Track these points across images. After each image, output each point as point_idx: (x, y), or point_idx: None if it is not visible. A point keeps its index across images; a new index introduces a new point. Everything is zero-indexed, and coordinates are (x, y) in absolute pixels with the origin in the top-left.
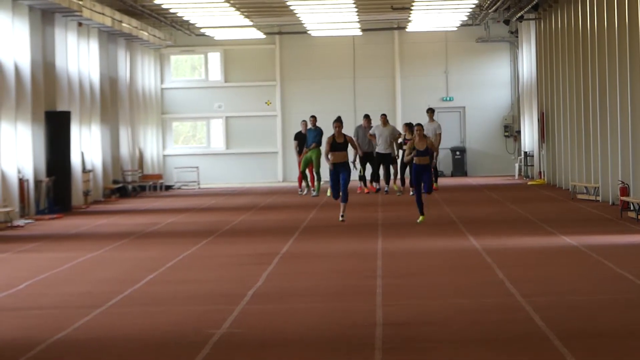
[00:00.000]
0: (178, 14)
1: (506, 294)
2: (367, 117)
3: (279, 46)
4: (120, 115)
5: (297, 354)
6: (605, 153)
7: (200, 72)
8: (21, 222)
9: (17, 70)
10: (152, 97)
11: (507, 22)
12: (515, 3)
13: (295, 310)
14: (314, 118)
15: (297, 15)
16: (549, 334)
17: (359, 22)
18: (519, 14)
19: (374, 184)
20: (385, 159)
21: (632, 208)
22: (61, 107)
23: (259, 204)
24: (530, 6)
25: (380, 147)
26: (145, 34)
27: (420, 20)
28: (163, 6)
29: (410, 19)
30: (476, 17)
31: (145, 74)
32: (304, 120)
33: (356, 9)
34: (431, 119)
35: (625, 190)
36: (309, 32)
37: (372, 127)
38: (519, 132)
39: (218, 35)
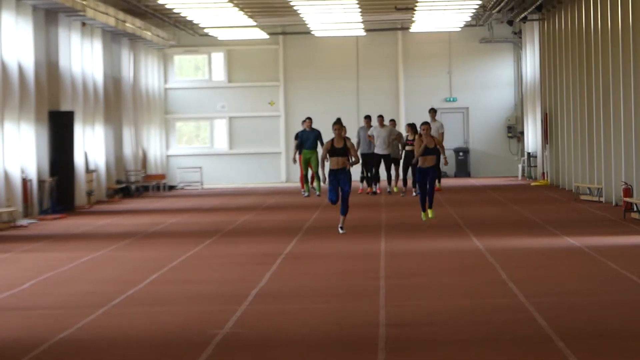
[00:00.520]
0: (182, 14)
1: (509, 295)
2: (367, 117)
3: (283, 46)
4: (123, 115)
5: (300, 355)
6: (609, 154)
7: (203, 72)
8: (24, 222)
9: (20, 70)
10: (155, 97)
11: (510, 22)
12: (519, 4)
13: (298, 311)
14: (309, 120)
15: (301, 15)
16: (552, 335)
17: (362, 22)
18: (523, 15)
19: (374, 186)
20: (384, 159)
21: (635, 209)
22: (65, 107)
23: (262, 205)
24: (533, 7)
25: (378, 148)
26: (149, 33)
27: (423, 21)
28: (167, 6)
29: (413, 19)
30: (480, 17)
31: (148, 74)
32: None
33: (360, 10)
34: (433, 118)
35: (628, 192)
36: (312, 32)
37: (385, 126)
38: (522, 133)
39: (222, 35)
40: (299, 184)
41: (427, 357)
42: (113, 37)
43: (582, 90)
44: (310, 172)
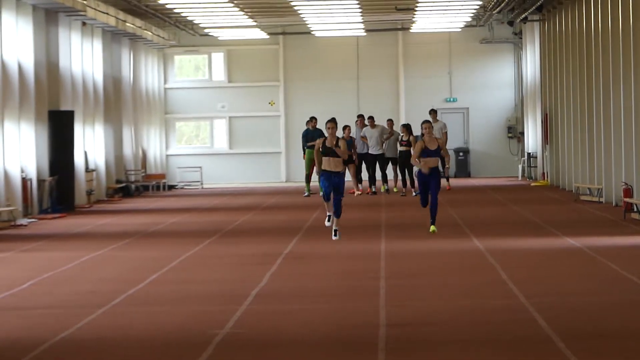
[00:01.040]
0: (182, 14)
1: (509, 295)
2: (360, 116)
3: (283, 46)
4: (123, 115)
5: (300, 355)
6: (609, 154)
7: (203, 72)
8: (24, 221)
9: (20, 70)
10: (155, 97)
11: (511, 23)
12: (519, 4)
13: (298, 311)
14: (314, 120)
15: (301, 15)
16: (553, 335)
17: (362, 22)
18: (523, 15)
19: (373, 187)
20: (378, 159)
21: (635, 209)
22: (65, 106)
23: (262, 204)
24: (534, 7)
25: (372, 148)
26: (149, 33)
27: (424, 21)
28: (167, 6)
29: (414, 19)
30: (480, 18)
31: (148, 73)
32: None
33: (360, 10)
34: (435, 119)
35: (628, 192)
36: (312, 32)
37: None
38: (522, 133)
39: (222, 35)
40: (298, 184)
41: (427, 357)
42: (113, 36)
43: (582, 90)
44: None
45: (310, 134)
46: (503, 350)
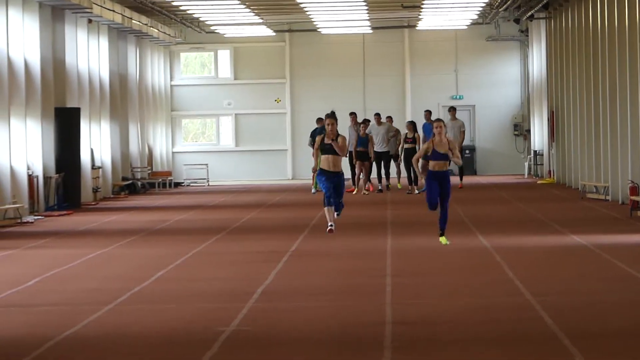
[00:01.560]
0: (188, 11)
1: (515, 293)
2: (353, 114)
3: (289, 44)
4: (129, 112)
5: (305, 353)
6: (615, 152)
7: (209, 70)
8: (30, 218)
9: (27, 67)
10: (161, 94)
11: (517, 20)
12: (526, 2)
13: (304, 309)
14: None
15: (308, 12)
16: (558, 333)
17: (369, 20)
18: (529, 13)
19: (379, 184)
20: (383, 156)
21: None
22: (71, 103)
23: (268, 202)
24: (540, 5)
25: (377, 146)
26: (155, 31)
27: (430, 19)
28: (173, 3)
29: (420, 17)
30: (486, 15)
31: (154, 71)
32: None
33: (366, 7)
34: (454, 117)
35: (635, 190)
36: (319, 29)
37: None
38: (528, 130)
39: (228, 32)
40: (304, 182)
41: (433, 355)
42: (119, 34)
43: (588, 88)
44: None
45: (319, 133)
46: (509, 349)
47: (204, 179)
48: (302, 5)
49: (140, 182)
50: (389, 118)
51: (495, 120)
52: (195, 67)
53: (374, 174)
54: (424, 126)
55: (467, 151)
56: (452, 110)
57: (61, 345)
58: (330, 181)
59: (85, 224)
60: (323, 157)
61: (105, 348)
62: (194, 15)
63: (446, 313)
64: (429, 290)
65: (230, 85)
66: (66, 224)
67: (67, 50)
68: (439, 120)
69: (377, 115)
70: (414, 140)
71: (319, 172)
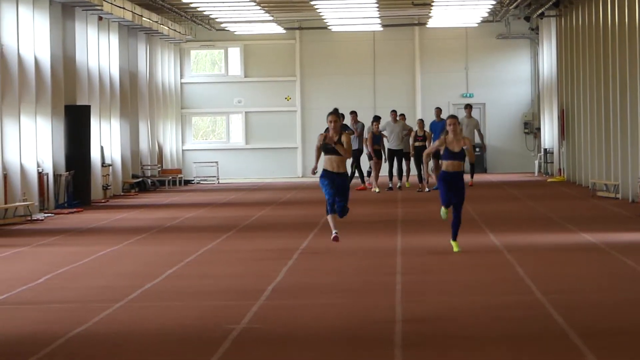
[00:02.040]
0: (198, 9)
1: (526, 292)
2: (353, 113)
3: (299, 41)
4: (139, 110)
5: (316, 350)
6: (625, 150)
7: (220, 67)
8: (40, 215)
9: (37, 64)
10: (171, 92)
11: (527, 18)
12: (536, 0)
13: (314, 306)
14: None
15: (318, 10)
16: (569, 331)
17: (379, 17)
18: (540, 11)
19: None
20: (396, 154)
21: None
22: (81, 101)
23: (279, 200)
24: (551, 3)
25: (392, 144)
26: (166, 28)
27: (440, 17)
28: (183, 0)
29: (430, 15)
30: (497, 13)
31: (165, 68)
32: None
33: (377, 5)
34: (469, 114)
35: None
36: (329, 27)
37: (359, 122)
38: (538, 129)
39: (238, 30)
40: (314, 180)
41: (444, 353)
42: (130, 31)
43: (599, 86)
44: None
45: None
46: (519, 347)
47: (214, 176)
48: (312, 3)
49: (150, 179)
50: (402, 116)
51: (506, 118)
52: (206, 64)
53: (384, 171)
54: (432, 124)
55: (478, 149)
56: (468, 107)
57: (71, 342)
58: (334, 183)
59: (95, 221)
60: (326, 157)
61: (115, 345)
62: (204, 13)
63: (456, 311)
64: (439, 288)
65: (240, 82)
66: (76, 221)
67: (78, 47)
68: (453, 117)
69: (394, 112)
70: (424, 138)
71: (322, 174)
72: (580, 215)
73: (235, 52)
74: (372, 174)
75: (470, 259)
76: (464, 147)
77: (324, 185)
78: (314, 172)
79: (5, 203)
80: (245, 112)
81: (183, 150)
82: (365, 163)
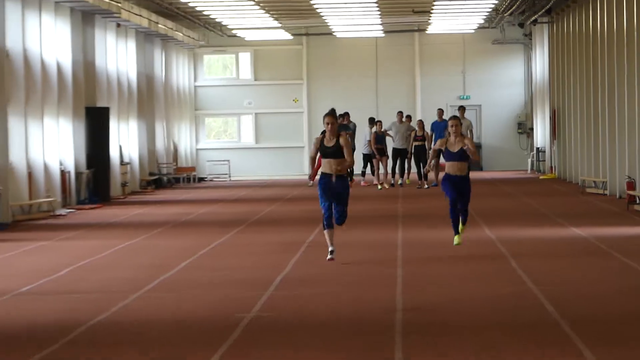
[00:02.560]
0: (211, 16)
1: (519, 282)
2: (346, 114)
3: (306, 47)
4: (156, 111)
5: (321, 337)
6: (613, 149)
7: (231, 71)
8: (63, 211)
9: (59, 68)
10: (186, 94)
11: (521, 25)
12: (530, 7)
13: (320, 296)
14: (345, 117)
15: (323, 17)
16: (560, 320)
17: (381, 24)
18: (533, 18)
19: (392, 178)
20: (401, 153)
21: (638, 202)
22: (101, 103)
23: (286, 196)
24: (543, 10)
25: (397, 143)
26: (180, 34)
27: (439, 23)
28: (197, 8)
29: (430, 21)
30: (492, 20)
31: (179, 72)
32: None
33: (379, 12)
34: (462, 116)
35: (631, 185)
36: (334, 33)
37: (351, 122)
38: (531, 129)
39: (248, 36)
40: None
41: (442, 340)
42: (146, 37)
43: (588, 89)
44: None
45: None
46: (513, 334)
47: (226, 174)
48: (318, 10)
49: (166, 177)
50: (408, 117)
51: (500, 119)
52: (218, 68)
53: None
54: (434, 125)
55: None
56: (462, 109)
57: (92, 330)
58: (331, 191)
59: (114, 216)
60: (324, 160)
61: (133, 333)
62: (217, 20)
63: (454, 300)
64: (438, 279)
65: (250, 85)
66: (96, 216)
67: (97, 52)
68: (455, 117)
69: (400, 113)
70: (423, 138)
71: (321, 177)
72: (570, 210)
73: (245, 57)
74: (376, 172)
75: (467, 252)
76: (464, 147)
77: (321, 196)
78: (312, 178)
79: (30, 199)
80: (255, 113)
81: (197, 149)
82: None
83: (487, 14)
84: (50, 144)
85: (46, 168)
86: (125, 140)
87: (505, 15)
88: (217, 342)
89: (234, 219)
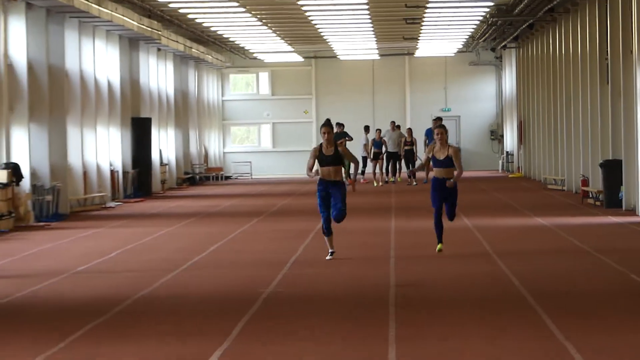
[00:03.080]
0: (236, 42)
1: (492, 263)
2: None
3: (315, 67)
4: (189, 121)
5: (327, 308)
6: (570, 152)
7: (252, 87)
8: (112, 204)
9: (109, 85)
10: (214, 107)
11: (493, 49)
12: (500, 35)
13: (326, 274)
14: (342, 126)
15: (329, 43)
16: (526, 294)
17: (377, 48)
18: (503, 44)
19: (385, 177)
20: (393, 156)
21: (590, 196)
22: (144, 114)
23: (298, 191)
24: (511, 37)
25: (390, 147)
26: (210, 57)
27: (425, 48)
28: (224, 35)
29: (417, 46)
30: (469, 45)
31: (209, 88)
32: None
33: (375, 39)
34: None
35: (585, 182)
36: (338, 56)
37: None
38: (502, 136)
39: (267, 58)
40: None
41: (427, 311)
42: (182, 59)
43: (549, 102)
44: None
45: (337, 137)
46: (487, 306)
47: (248, 173)
48: (325, 37)
49: (198, 175)
50: (398, 126)
51: (476, 128)
52: (241, 85)
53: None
54: (427, 131)
55: None
56: (438, 119)
57: (137, 302)
58: (327, 191)
59: (155, 208)
60: (323, 169)
61: (171, 304)
62: (241, 45)
63: (438, 278)
64: (424, 260)
65: (268, 100)
66: (140, 208)
67: (141, 72)
68: (440, 126)
69: (393, 122)
70: (412, 143)
71: (318, 183)
72: (534, 203)
73: (264, 76)
74: (372, 172)
75: (449, 238)
76: (450, 156)
77: (320, 205)
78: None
79: (85, 194)
80: (273, 123)
81: (224, 152)
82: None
83: (465, 40)
84: (102, 148)
85: (98, 168)
86: (164, 145)
87: (480, 41)
88: (241, 312)
89: (255, 211)
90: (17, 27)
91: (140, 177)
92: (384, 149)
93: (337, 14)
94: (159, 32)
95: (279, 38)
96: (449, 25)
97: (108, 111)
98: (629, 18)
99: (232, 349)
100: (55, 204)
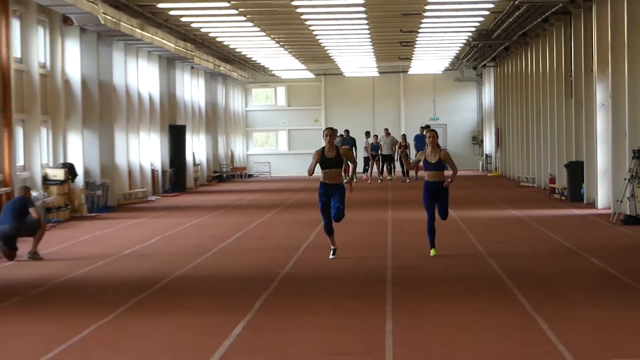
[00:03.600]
0: (257, 61)
1: (473, 248)
2: (346, 131)
3: (324, 83)
4: (218, 128)
5: (334, 285)
6: (540, 155)
7: (271, 100)
8: (153, 198)
9: (150, 98)
10: (239, 116)
11: (475, 68)
12: (481, 55)
13: (334, 258)
14: (347, 132)
15: (336, 62)
16: (502, 275)
17: (377, 67)
18: (483, 63)
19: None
20: (387, 158)
21: (557, 192)
22: (179, 122)
23: (310, 187)
24: (490, 58)
25: (385, 151)
26: (235, 74)
27: (417, 66)
28: (247, 55)
29: (410, 65)
30: (455, 64)
31: (235, 100)
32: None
33: (375, 58)
34: (422, 133)
35: (552, 180)
36: (343, 73)
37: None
38: (482, 140)
39: (284, 75)
40: None
41: (420, 288)
42: (212, 76)
43: (521, 113)
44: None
45: (344, 142)
46: (469, 285)
47: (268, 172)
48: (332, 57)
49: (225, 174)
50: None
51: (460, 134)
52: (262, 98)
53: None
54: (416, 137)
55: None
56: (426, 127)
57: (174, 281)
58: (328, 192)
59: (189, 201)
60: (324, 172)
61: (202, 282)
62: (261, 64)
63: (428, 261)
64: (417, 246)
65: (285, 110)
66: (176, 202)
67: (177, 86)
68: (432, 130)
69: (386, 129)
70: (406, 147)
71: (320, 185)
72: (509, 197)
73: (281, 90)
74: (370, 170)
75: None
76: (442, 159)
77: (321, 210)
78: (310, 173)
79: (130, 189)
80: (288, 130)
81: (247, 154)
82: (362, 165)
83: (451, 60)
84: (144, 151)
85: (141, 167)
86: (196, 148)
87: (463, 61)
88: (261, 290)
89: (273, 204)
90: (72, 48)
91: (176, 175)
92: (379, 152)
93: (343, 38)
94: (192, 53)
95: (294, 58)
96: (437, 47)
97: (149, 119)
98: (590, 42)
99: (254, 321)
100: (105, 197)
